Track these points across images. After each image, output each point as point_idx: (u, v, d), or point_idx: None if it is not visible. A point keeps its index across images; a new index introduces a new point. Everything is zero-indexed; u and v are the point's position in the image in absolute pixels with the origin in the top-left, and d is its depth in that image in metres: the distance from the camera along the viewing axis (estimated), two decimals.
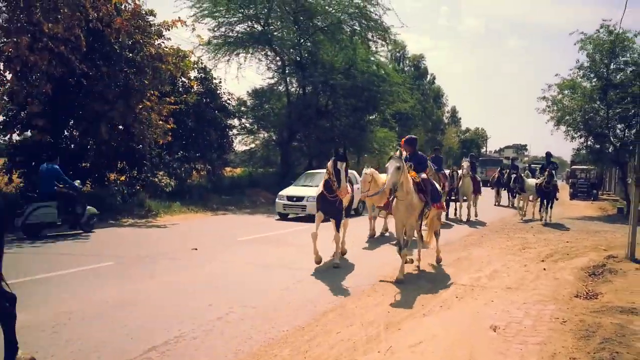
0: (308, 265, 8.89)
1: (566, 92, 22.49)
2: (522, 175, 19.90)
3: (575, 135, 22.93)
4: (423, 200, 8.33)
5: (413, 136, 9.82)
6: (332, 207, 9.07)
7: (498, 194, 25.53)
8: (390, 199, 8.36)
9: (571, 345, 4.90)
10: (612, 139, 22.33)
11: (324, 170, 9.52)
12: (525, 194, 18.27)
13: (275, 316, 5.89)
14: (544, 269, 8.89)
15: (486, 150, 71.80)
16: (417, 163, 8.89)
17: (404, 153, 8.71)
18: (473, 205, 17.76)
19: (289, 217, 16.90)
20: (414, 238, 9.05)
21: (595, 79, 21.94)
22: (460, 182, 17.01)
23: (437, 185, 9.85)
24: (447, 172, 17.18)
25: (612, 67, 21.41)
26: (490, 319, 5.76)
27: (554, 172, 16.27)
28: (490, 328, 5.43)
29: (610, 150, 22.71)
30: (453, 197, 18.05)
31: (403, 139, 9.55)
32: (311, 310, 6.22)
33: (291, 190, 17.32)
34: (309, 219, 14.27)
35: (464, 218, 17.11)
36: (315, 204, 9.66)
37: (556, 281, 7.98)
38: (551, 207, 16.69)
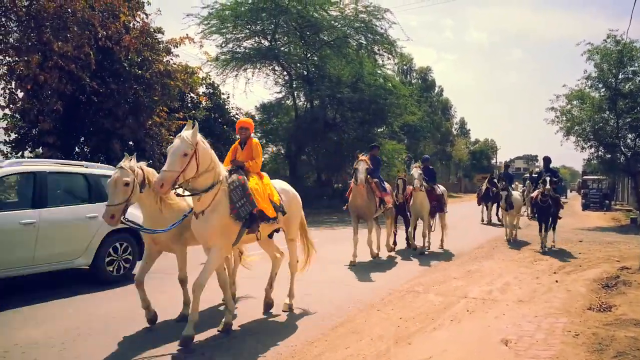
0: (316, 277, 8.82)
1: (575, 102, 22.42)
2: (511, 187, 16.00)
3: (586, 146, 22.80)
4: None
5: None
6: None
7: (487, 210, 20.57)
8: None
9: (584, 359, 4.80)
10: (622, 149, 22.15)
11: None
12: (513, 211, 14.41)
13: (284, 331, 5.85)
14: (556, 281, 8.77)
15: (496, 162, 71.40)
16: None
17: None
18: (429, 231, 12.53)
19: None
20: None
21: (603, 89, 21.86)
22: (412, 198, 12.00)
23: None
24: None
25: (620, 76, 21.35)
26: (502, 333, 5.68)
27: (552, 180, 12.37)
28: (501, 342, 5.35)
29: (621, 160, 22.53)
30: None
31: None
32: (319, 324, 6.16)
33: None
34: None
35: (425, 246, 12.31)
36: None
37: (568, 293, 7.86)
38: (553, 229, 13.42)
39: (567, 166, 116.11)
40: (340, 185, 34.02)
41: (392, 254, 12.01)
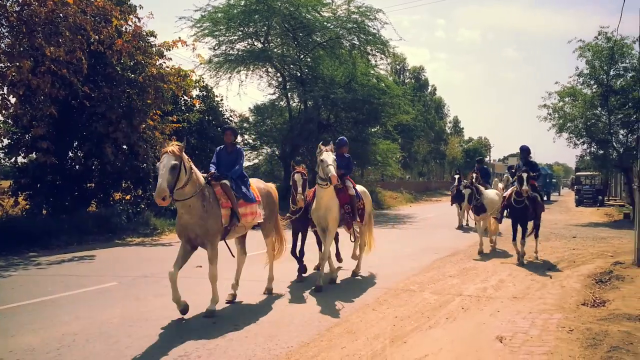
0: (312, 279, 8.86)
1: (567, 99, 22.59)
2: (488, 184, 14.95)
3: (578, 142, 22.99)
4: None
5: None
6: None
7: (462, 212, 17.27)
8: None
9: (578, 355, 4.85)
10: (615, 145, 22.34)
11: None
12: (486, 214, 11.99)
13: (280, 332, 5.87)
14: (550, 278, 8.84)
15: (490, 159, 71.69)
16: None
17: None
18: (360, 250, 9.67)
19: None
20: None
21: (595, 86, 22.04)
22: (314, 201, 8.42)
23: None
24: None
25: (611, 73, 21.54)
26: (497, 330, 5.73)
27: (531, 176, 10.25)
28: (496, 339, 5.40)
29: (614, 156, 22.71)
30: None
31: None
32: (316, 325, 6.19)
33: None
34: None
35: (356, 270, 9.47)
36: None
37: (562, 289, 7.93)
38: (536, 236, 11.18)
39: (561, 162, 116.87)
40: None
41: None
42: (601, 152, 23.01)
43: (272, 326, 6.11)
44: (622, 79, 21.73)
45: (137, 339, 5.61)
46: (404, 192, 41.58)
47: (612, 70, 21.47)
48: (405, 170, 47.91)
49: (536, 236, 11.33)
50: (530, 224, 11.04)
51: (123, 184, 17.62)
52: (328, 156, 7.71)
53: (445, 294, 7.71)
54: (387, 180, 44.25)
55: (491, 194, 12.66)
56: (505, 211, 11.10)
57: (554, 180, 56.12)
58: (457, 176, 16.06)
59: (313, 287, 8.04)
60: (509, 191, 10.97)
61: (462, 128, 72.76)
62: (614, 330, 5.46)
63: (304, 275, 8.93)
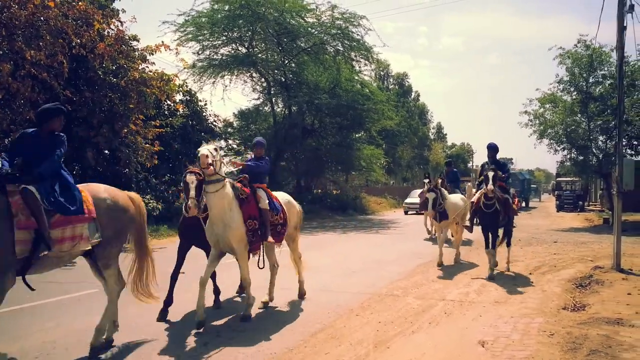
0: (296, 284, 8.83)
1: (547, 105, 22.96)
2: (458, 189, 14.00)
3: (559, 148, 23.40)
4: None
5: None
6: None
7: (429, 219, 14.87)
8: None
9: (559, 358, 4.92)
10: (594, 151, 22.75)
11: None
12: (448, 221, 11.04)
13: (263, 338, 5.83)
14: (532, 282, 8.94)
15: (472, 165, 72.37)
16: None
17: None
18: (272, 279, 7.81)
19: None
20: None
21: (575, 93, 22.45)
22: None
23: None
24: None
25: (591, 80, 21.96)
26: (479, 334, 5.77)
27: (498, 176, 9.21)
28: (478, 343, 5.44)
29: (593, 162, 23.11)
30: None
31: None
32: (300, 331, 6.17)
33: None
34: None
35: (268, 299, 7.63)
36: None
37: (544, 294, 8.02)
38: (508, 244, 10.38)
39: (542, 168, 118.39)
40: (319, 190, 34.11)
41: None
42: (581, 158, 23.41)
43: (256, 332, 6.08)
44: (600, 86, 22.18)
45: (117, 347, 5.53)
46: (388, 197, 41.78)
47: (591, 77, 21.90)
48: (389, 175, 48.17)
49: (508, 244, 10.38)
50: (501, 231, 10.06)
51: None
52: (202, 148, 6.12)
53: (429, 299, 7.75)
54: (371, 186, 44.45)
55: (455, 198, 11.76)
56: (476, 218, 9.92)
57: (533, 185, 55.92)
58: (426, 181, 12.61)
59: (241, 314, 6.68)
60: (477, 195, 9.74)
61: (445, 134, 73.34)
62: (594, 334, 5.54)
63: (167, 310, 6.73)
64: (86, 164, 15.27)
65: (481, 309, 7.07)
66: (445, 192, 11.44)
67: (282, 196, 7.65)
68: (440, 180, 11.56)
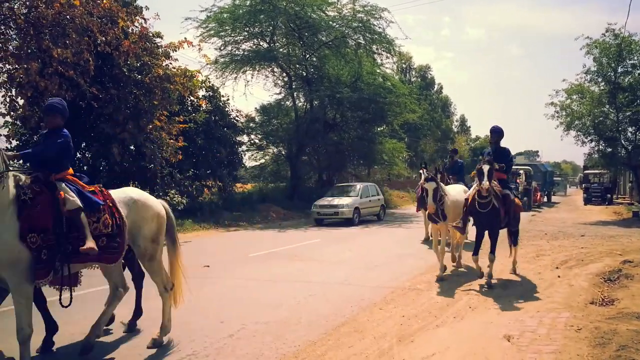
0: (319, 278, 8.89)
1: (574, 97, 22.49)
2: (462, 182, 11.96)
3: (586, 140, 22.91)
4: None
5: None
6: None
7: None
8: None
9: (586, 354, 4.83)
10: (623, 142, 22.24)
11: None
12: (444, 223, 8.79)
13: (287, 331, 5.88)
14: (558, 276, 8.78)
15: None
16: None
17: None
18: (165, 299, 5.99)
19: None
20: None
21: (603, 83, 21.93)
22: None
23: None
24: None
25: (619, 70, 21.43)
26: (504, 329, 5.71)
27: (493, 168, 7.77)
28: (504, 338, 5.38)
29: (622, 154, 22.59)
30: None
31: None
32: (323, 324, 6.19)
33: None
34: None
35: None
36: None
37: (571, 288, 7.88)
38: (514, 243, 9.08)
39: (569, 161, 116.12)
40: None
41: None
42: (609, 149, 22.90)
43: (280, 326, 6.13)
44: (630, 76, 21.61)
45: (145, 338, 5.65)
46: (411, 191, 41.48)
47: (620, 67, 21.36)
48: (411, 169, 47.79)
49: (514, 244, 9.10)
50: (504, 233, 8.85)
51: (131, 185, 17.71)
52: None
53: (453, 293, 7.69)
54: (393, 180, 44.17)
55: (455, 192, 9.47)
56: (471, 218, 8.52)
57: (557, 178, 53.14)
58: (422, 171, 9.53)
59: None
60: (471, 192, 8.44)
61: (469, 127, 72.40)
62: (623, 329, 5.42)
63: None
64: (112, 160, 15.55)
65: (506, 303, 6.98)
66: (444, 186, 9.24)
67: (123, 193, 5.45)
68: (439, 176, 9.08)
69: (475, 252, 8.32)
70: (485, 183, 7.58)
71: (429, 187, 8.43)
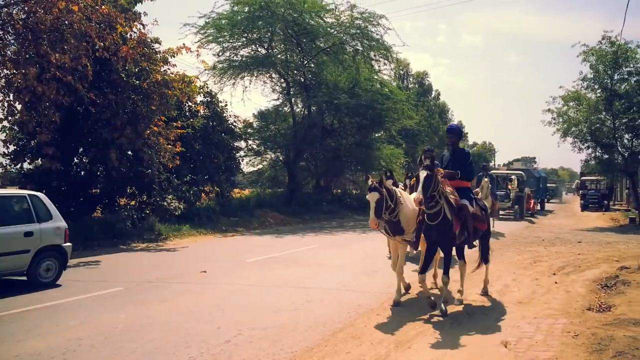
0: (317, 284, 8.87)
1: (571, 103, 22.59)
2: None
3: (583, 147, 22.99)
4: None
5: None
6: None
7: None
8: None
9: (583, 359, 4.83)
10: (620, 149, 22.31)
11: None
12: (400, 236, 7.43)
13: (284, 337, 5.87)
14: (555, 283, 8.80)
15: (494, 164, 71.49)
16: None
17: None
18: None
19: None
20: None
21: (599, 90, 22.03)
22: None
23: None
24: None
25: (616, 77, 21.54)
26: (501, 335, 5.72)
27: (424, 174, 6.32)
28: (501, 344, 5.39)
29: (619, 160, 22.66)
30: None
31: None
32: (320, 330, 6.18)
33: None
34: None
35: None
36: None
37: (568, 294, 7.89)
38: (485, 261, 8.09)
39: (565, 167, 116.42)
40: (339, 190, 34.09)
41: None
42: (606, 156, 22.95)
43: (277, 331, 6.11)
44: (626, 83, 21.71)
45: (142, 344, 5.63)
46: None
47: (616, 74, 21.47)
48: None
49: (485, 261, 8.07)
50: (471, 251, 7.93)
51: (128, 190, 17.69)
52: None
53: (450, 299, 7.68)
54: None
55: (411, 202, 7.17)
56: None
57: (551, 184, 51.06)
58: (409, 181, 9.26)
59: None
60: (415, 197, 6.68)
61: (467, 133, 72.39)
62: (620, 335, 5.43)
63: None
64: (110, 165, 15.53)
65: (503, 309, 6.99)
66: (401, 192, 7.74)
67: None
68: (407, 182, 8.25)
69: (422, 270, 6.93)
70: (419, 195, 6.23)
71: (371, 198, 6.90)
